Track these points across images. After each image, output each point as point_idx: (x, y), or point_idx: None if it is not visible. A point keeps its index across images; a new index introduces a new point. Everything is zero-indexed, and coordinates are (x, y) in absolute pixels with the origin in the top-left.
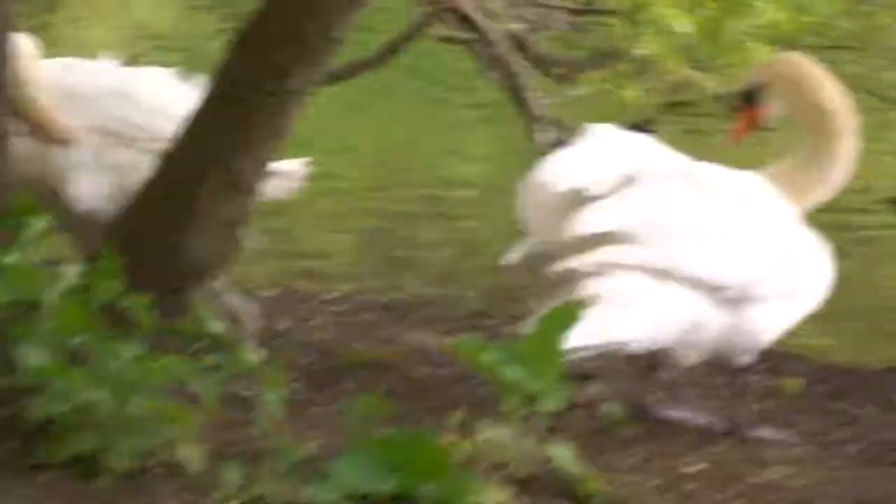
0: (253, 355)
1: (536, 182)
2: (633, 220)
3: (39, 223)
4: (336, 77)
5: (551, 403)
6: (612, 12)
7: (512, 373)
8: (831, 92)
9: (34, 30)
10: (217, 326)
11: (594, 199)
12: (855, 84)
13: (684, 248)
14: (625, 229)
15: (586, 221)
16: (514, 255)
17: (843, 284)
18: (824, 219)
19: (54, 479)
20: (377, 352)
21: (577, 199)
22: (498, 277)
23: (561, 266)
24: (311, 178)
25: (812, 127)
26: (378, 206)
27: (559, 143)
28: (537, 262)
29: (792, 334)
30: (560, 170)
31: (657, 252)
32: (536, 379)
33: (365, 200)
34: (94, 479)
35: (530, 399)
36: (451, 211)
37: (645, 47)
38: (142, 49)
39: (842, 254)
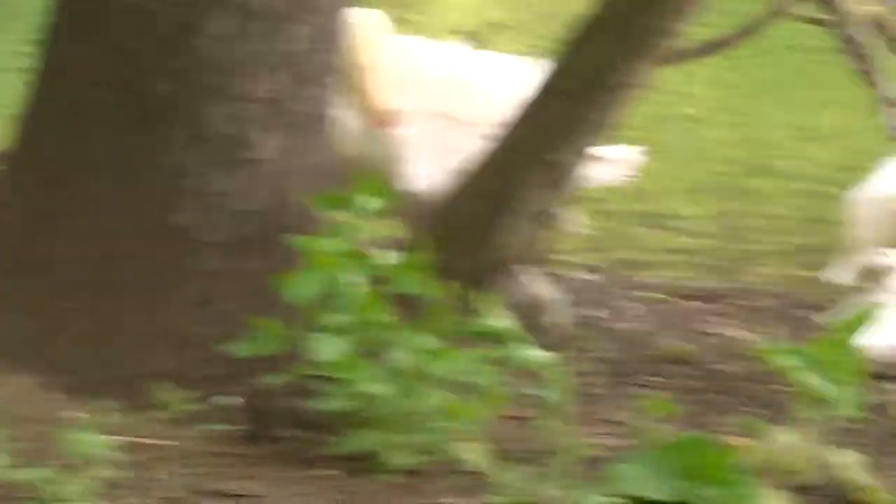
0: (539, 352)
1: (872, 196)
2: None
3: (375, 201)
4: (697, 53)
5: (847, 409)
6: None
7: (808, 378)
8: None
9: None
10: (502, 322)
11: None
12: None
13: None
14: None
15: None
16: (838, 273)
17: None
18: None
19: (331, 473)
20: (683, 346)
21: None
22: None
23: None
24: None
25: None
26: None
27: None
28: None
29: None
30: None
31: None
32: (833, 384)
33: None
34: (372, 475)
35: (825, 404)
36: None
37: None
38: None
39: None
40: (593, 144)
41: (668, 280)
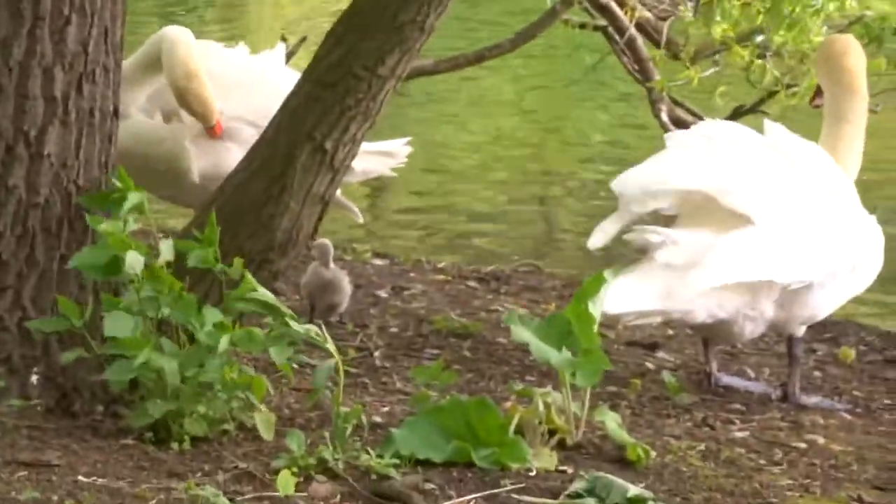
0: (312, 327)
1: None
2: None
3: (136, 197)
4: (479, 59)
5: (585, 378)
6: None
7: (542, 352)
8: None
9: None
10: (272, 298)
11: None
12: None
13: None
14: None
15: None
16: (597, 240)
17: None
18: None
19: (127, 443)
20: (462, 321)
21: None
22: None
23: (636, 236)
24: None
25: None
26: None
27: (677, 121)
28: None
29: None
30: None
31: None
32: (566, 352)
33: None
34: (166, 444)
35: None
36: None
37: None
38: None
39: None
40: (360, 132)
41: (453, 263)
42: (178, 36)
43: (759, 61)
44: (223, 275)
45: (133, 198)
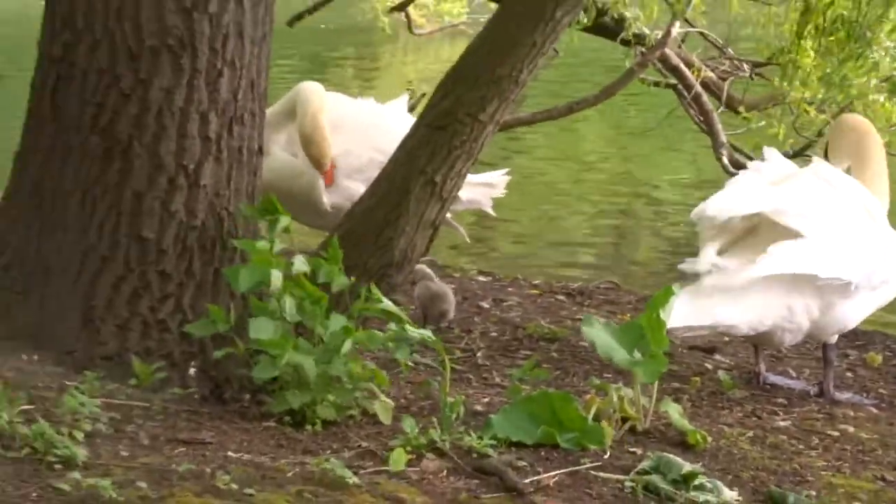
0: (426, 331)
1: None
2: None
3: (284, 220)
4: (569, 110)
5: (646, 376)
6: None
7: (607, 349)
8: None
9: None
10: (394, 307)
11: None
12: None
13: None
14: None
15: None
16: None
17: None
18: None
19: (269, 425)
20: (551, 328)
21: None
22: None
23: (687, 266)
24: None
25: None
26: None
27: (736, 164)
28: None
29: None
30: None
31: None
32: (632, 354)
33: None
34: (301, 427)
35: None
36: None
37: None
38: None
39: None
40: (465, 168)
41: (545, 280)
42: (311, 90)
43: (822, 116)
44: (347, 287)
45: (283, 220)
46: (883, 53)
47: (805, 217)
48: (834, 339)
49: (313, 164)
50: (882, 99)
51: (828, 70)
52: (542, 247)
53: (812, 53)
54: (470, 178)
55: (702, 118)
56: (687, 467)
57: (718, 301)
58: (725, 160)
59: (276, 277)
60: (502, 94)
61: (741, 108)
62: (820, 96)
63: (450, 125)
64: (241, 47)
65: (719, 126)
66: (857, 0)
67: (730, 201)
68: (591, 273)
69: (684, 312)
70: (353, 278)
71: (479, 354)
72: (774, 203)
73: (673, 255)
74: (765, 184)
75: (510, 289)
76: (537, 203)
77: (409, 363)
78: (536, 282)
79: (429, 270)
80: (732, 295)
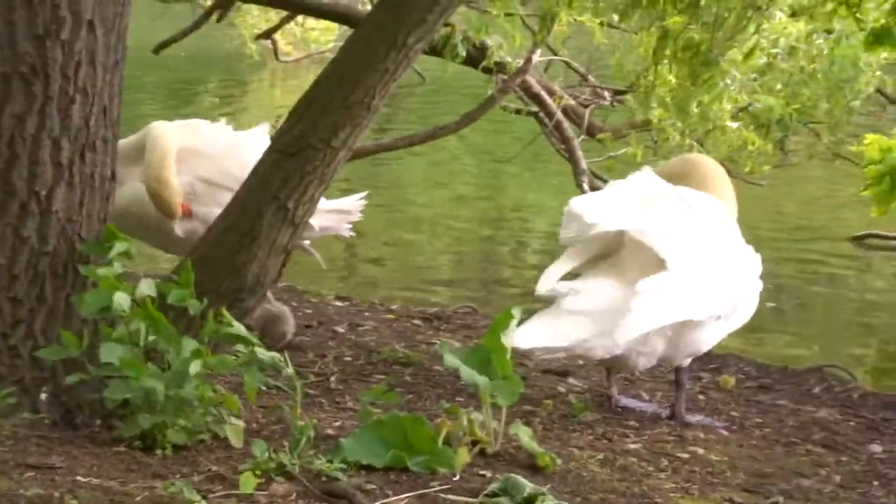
0: (276, 355)
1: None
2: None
3: (122, 246)
4: (430, 136)
5: (503, 398)
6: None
7: (470, 376)
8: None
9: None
10: (245, 332)
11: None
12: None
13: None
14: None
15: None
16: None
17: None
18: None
19: (119, 450)
20: (405, 352)
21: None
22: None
23: (544, 288)
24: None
25: None
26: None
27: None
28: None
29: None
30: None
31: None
32: (487, 377)
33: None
34: (152, 451)
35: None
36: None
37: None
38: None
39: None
40: (317, 194)
41: (402, 305)
42: (159, 135)
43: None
44: (199, 311)
45: (120, 246)
46: (730, 82)
47: (669, 246)
48: (687, 362)
49: (162, 214)
50: (736, 126)
51: (683, 96)
52: (403, 273)
53: (670, 79)
54: (325, 203)
55: (563, 145)
56: (532, 488)
57: (575, 324)
58: (586, 186)
59: (123, 301)
60: (354, 120)
61: (601, 135)
62: (680, 123)
63: (302, 151)
64: (94, 74)
65: (580, 153)
66: (709, 27)
67: (600, 214)
68: (451, 298)
69: (541, 334)
70: (205, 301)
71: (332, 378)
72: (640, 225)
73: (533, 281)
74: (635, 200)
75: (367, 313)
76: (401, 230)
77: (261, 387)
78: (394, 306)
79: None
80: (589, 318)
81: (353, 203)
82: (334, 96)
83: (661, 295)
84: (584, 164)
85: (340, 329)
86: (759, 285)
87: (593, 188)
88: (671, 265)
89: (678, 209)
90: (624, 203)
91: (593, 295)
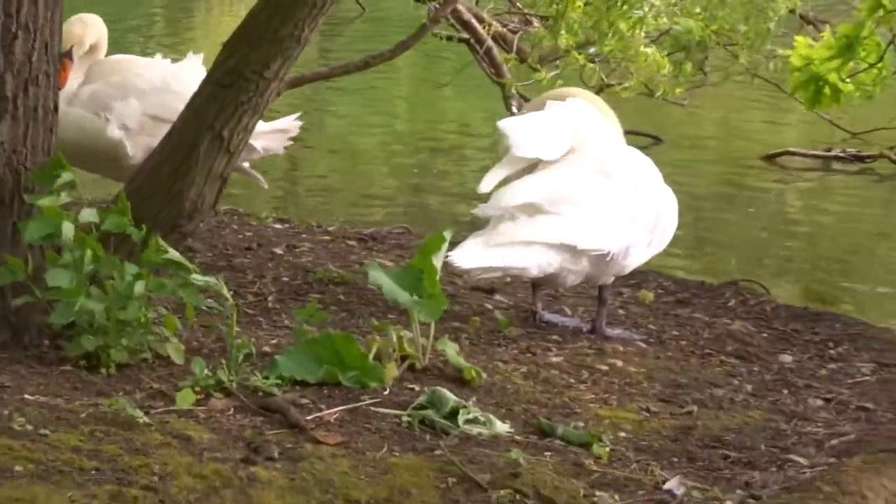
0: (211, 278)
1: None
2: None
3: (67, 176)
4: (365, 65)
5: (427, 315)
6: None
7: (392, 292)
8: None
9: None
10: (176, 257)
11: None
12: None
13: (578, 221)
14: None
15: (515, 193)
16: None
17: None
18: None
19: (66, 369)
20: (339, 272)
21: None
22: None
23: (480, 210)
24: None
25: None
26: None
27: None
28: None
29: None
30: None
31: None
32: (413, 295)
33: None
34: (97, 370)
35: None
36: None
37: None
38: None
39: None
40: (251, 123)
41: (339, 226)
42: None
43: (591, 65)
44: (140, 237)
45: (66, 176)
46: (647, 9)
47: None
48: (610, 280)
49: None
50: (650, 52)
51: (596, 20)
52: (341, 196)
53: (581, 5)
54: (263, 126)
55: (493, 70)
56: (456, 401)
57: (510, 245)
58: (515, 109)
59: (68, 230)
60: (285, 53)
61: (529, 60)
62: (595, 49)
63: (236, 83)
64: (35, 11)
65: (508, 76)
66: None
67: (533, 142)
68: (386, 220)
69: (479, 255)
70: (144, 228)
71: (270, 298)
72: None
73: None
74: (564, 133)
75: (304, 235)
76: (338, 154)
77: (202, 307)
78: (330, 228)
79: None
80: (524, 240)
81: (290, 123)
82: (265, 30)
83: (561, 223)
84: (512, 88)
85: (278, 251)
86: (675, 220)
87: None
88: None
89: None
90: (547, 137)
91: (524, 219)
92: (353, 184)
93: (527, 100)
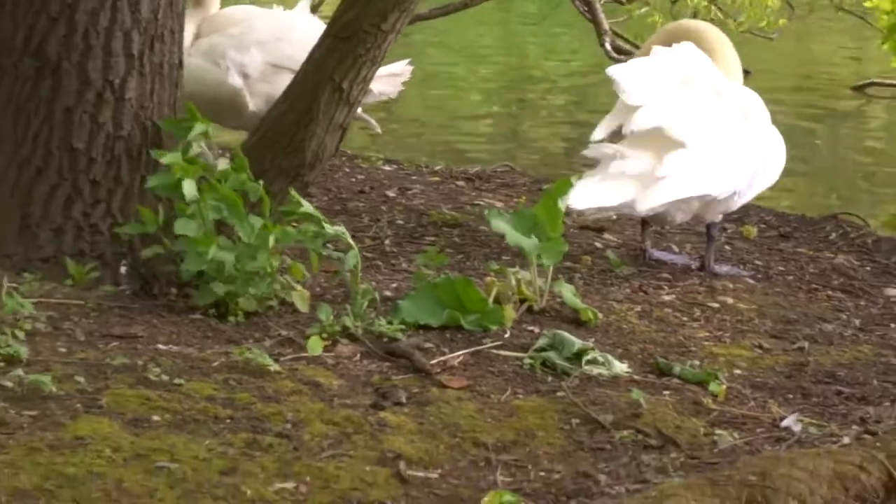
0: (339, 228)
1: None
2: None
3: (199, 127)
4: (464, 5)
5: (548, 259)
6: None
7: (515, 238)
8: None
9: None
10: (304, 207)
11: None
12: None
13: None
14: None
15: (636, 121)
16: (598, 133)
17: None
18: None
19: (195, 318)
20: (454, 213)
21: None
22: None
23: (592, 151)
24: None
25: None
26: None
27: (620, 51)
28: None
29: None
30: (629, 80)
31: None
32: (535, 239)
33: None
34: (225, 318)
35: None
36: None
37: None
38: None
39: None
40: (369, 74)
41: (446, 166)
42: None
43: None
44: (256, 194)
45: (199, 127)
46: None
47: (690, 129)
48: (718, 217)
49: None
50: None
51: None
52: (443, 135)
53: None
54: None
55: (585, 7)
56: (579, 343)
57: (621, 185)
58: (608, 47)
59: (189, 188)
60: (402, 5)
61: None
62: None
63: (354, 35)
64: None
65: (602, 15)
66: None
67: (637, 97)
68: (489, 157)
69: (593, 195)
70: (262, 185)
71: (386, 242)
72: (670, 117)
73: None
74: (670, 84)
75: (414, 177)
76: (436, 95)
77: (323, 254)
78: (437, 167)
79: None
80: (632, 181)
81: (403, 67)
82: None
83: (683, 171)
84: (606, 24)
85: (391, 193)
86: (782, 161)
87: (616, 48)
88: (691, 146)
89: (708, 98)
90: (659, 87)
91: (635, 161)
92: (450, 122)
93: (619, 36)
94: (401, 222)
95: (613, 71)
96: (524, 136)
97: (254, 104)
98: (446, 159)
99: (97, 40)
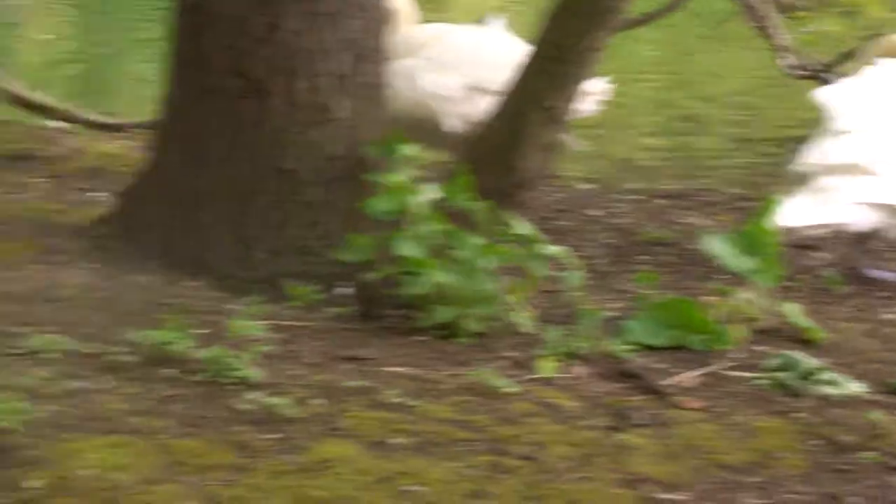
0: (555, 247)
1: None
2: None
3: (409, 149)
4: (640, 22)
5: (768, 279)
6: None
7: (731, 261)
8: None
9: None
10: (524, 228)
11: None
12: None
13: None
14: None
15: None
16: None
17: None
18: None
19: (423, 339)
20: (662, 232)
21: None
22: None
23: (800, 167)
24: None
25: None
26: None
27: (799, 68)
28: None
29: None
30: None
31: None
32: (752, 260)
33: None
34: (452, 339)
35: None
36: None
37: None
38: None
39: None
40: (573, 93)
41: (646, 185)
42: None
43: None
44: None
45: (408, 149)
46: None
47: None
48: None
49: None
50: None
51: None
52: (620, 152)
53: None
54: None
55: (758, 24)
56: (814, 363)
57: (839, 201)
58: (785, 62)
59: (414, 202)
60: (605, 23)
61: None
62: None
63: (559, 55)
64: None
65: (776, 30)
66: None
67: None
68: (677, 172)
69: (806, 211)
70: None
71: (597, 262)
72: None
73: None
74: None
75: (613, 195)
76: (612, 109)
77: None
78: (633, 186)
79: None
80: (852, 197)
81: (603, 85)
82: (585, 2)
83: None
84: (782, 39)
85: (593, 212)
86: None
87: (793, 66)
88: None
89: None
90: (870, 112)
91: (848, 178)
92: (637, 139)
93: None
94: (609, 241)
95: (822, 94)
96: (703, 154)
97: (449, 125)
98: (631, 177)
99: (302, 61)
